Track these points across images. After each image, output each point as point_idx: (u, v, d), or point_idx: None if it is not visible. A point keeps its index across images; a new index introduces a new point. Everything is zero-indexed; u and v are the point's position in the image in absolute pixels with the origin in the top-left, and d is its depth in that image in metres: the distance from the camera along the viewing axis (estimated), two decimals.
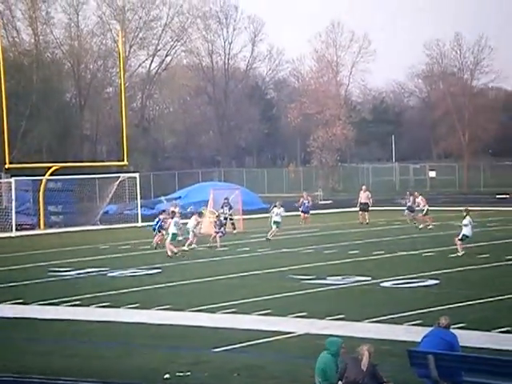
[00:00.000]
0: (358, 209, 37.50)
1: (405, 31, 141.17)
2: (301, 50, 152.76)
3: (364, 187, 38.53)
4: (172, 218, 27.10)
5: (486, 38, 78.45)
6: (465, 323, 13.89)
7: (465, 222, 24.58)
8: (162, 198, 34.10)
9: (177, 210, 29.79)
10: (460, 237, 24.50)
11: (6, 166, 40.19)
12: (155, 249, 28.11)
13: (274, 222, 30.75)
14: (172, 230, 26.20)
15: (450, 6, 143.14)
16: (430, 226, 33.55)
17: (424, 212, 34.16)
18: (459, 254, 24.09)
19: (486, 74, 79.31)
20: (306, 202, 36.86)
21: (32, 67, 62.52)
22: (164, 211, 30.28)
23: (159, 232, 28.58)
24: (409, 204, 35.48)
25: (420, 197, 34.88)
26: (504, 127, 75.99)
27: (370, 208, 37.62)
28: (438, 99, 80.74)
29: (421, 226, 33.64)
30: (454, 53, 79.45)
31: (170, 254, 25.67)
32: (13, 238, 36.13)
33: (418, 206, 34.60)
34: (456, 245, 24.42)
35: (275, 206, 31.55)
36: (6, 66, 41.77)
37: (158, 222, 28.81)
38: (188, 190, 52.55)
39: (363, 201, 36.90)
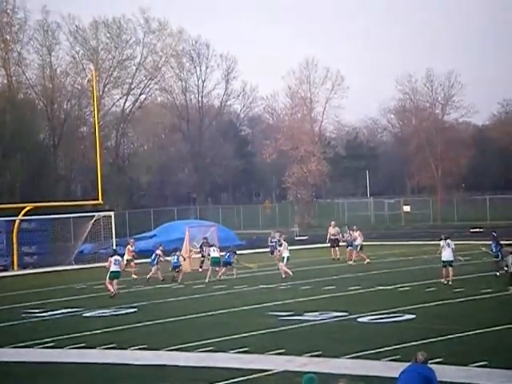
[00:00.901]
0: (328, 245, 37.33)
1: (377, 67, 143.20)
2: (274, 87, 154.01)
3: (333, 223, 38.46)
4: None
5: (456, 74, 79.90)
6: (442, 358, 13.89)
7: (441, 244, 25.34)
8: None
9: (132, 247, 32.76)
10: (442, 264, 25.16)
11: None
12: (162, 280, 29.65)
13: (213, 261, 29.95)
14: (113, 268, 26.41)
15: (421, 42, 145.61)
16: (366, 261, 33.58)
17: (358, 248, 34.18)
18: (444, 282, 24.71)
19: (457, 109, 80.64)
20: (274, 240, 36.43)
21: (5, 108, 62.36)
22: (161, 245, 32.10)
23: (156, 264, 30.42)
24: (348, 239, 35.62)
25: (358, 232, 34.96)
26: (475, 162, 77.01)
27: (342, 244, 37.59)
28: (411, 134, 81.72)
29: (350, 263, 33.78)
30: (425, 88, 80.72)
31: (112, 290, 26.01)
32: None
33: (355, 240, 34.54)
34: (444, 277, 24.91)
35: (211, 246, 31.26)
36: None
37: (155, 257, 30.64)
38: (164, 228, 52.36)
39: (332, 237, 37.03)
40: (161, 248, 31.59)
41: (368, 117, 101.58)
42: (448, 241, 25.45)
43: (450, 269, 25.08)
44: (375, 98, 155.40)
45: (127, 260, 31.69)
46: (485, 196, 67.87)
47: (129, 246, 32.41)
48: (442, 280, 25.08)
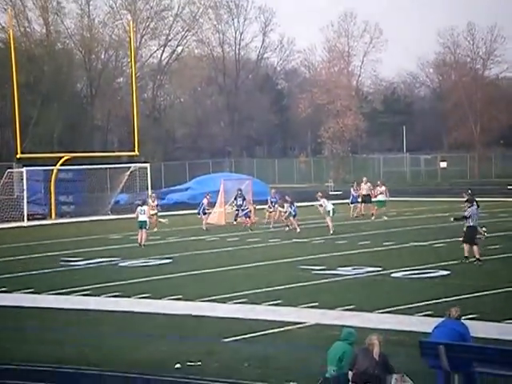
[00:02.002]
0: (360, 200, 37.13)
1: (416, 20, 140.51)
2: (312, 40, 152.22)
3: (365, 179, 38.11)
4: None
5: (498, 28, 78.11)
6: (476, 314, 13.85)
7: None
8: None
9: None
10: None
11: (18, 156, 40.34)
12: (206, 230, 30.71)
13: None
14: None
15: None
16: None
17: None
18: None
19: (499, 64, 79.04)
20: (273, 199, 33.97)
21: (43, 57, 62.63)
22: (208, 194, 33.21)
23: (204, 215, 31.58)
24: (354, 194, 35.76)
25: (383, 187, 34.90)
26: None
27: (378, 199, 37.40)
28: (450, 89, 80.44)
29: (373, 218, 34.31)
30: (466, 42, 79.11)
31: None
32: (24, 227, 36.30)
33: (377, 195, 34.74)
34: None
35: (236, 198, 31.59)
36: (17, 56, 41.87)
37: (201, 206, 31.78)
38: (199, 181, 52.58)
39: (365, 192, 36.81)
40: (208, 197, 32.41)
41: (406, 71, 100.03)
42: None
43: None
44: (414, 52, 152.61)
45: (151, 215, 31.47)
46: None
47: (150, 201, 31.92)
48: None
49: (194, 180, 54.12)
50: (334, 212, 29.06)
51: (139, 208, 27.26)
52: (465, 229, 21.07)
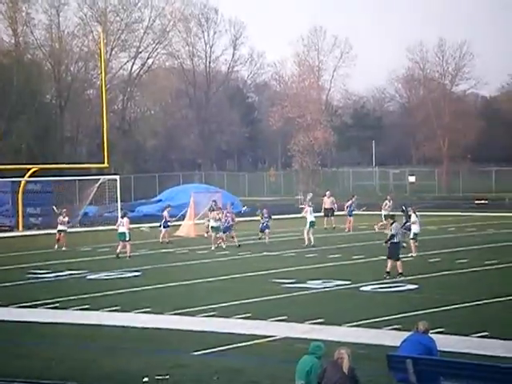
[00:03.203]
0: (322, 214, 37.17)
1: (386, 36, 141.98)
2: (282, 54, 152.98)
3: (328, 193, 38.31)
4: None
5: (468, 45, 79.16)
6: (443, 328, 13.98)
7: (413, 219, 25.66)
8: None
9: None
10: (411, 236, 25.53)
11: None
12: (168, 243, 30.74)
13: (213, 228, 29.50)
14: None
15: (433, 11, 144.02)
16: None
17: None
18: (413, 255, 24.84)
19: (467, 80, 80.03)
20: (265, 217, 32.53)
21: (12, 68, 62.11)
22: (168, 207, 33.04)
23: (164, 228, 31.50)
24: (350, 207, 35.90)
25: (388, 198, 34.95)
26: (483, 133, 76.61)
27: (340, 213, 37.47)
28: (418, 104, 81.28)
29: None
30: (436, 58, 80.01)
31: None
32: None
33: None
34: (411, 247, 25.30)
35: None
36: None
37: (162, 220, 31.88)
38: (169, 193, 52.45)
39: (327, 206, 36.97)
40: (168, 209, 32.30)
41: (375, 86, 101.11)
42: (414, 216, 25.88)
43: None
44: (383, 67, 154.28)
45: (58, 231, 30.55)
46: (491, 168, 67.75)
47: (61, 217, 30.95)
48: (414, 254, 25.12)
49: (165, 192, 53.99)
50: (312, 225, 29.04)
51: (119, 220, 27.68)
52: (389, 245, 21.26)
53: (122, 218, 27.72)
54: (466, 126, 73.33)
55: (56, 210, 32.30)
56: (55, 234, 30.82)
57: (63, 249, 29.84)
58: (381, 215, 33.74)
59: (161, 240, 31.18)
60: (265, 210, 30.87)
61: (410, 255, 24.92)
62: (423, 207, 49.11)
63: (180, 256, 27.04)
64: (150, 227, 35.10)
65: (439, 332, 13.32)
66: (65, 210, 32.29)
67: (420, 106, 79.77)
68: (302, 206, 30.14)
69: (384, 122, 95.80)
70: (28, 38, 66.40)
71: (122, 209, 37.91)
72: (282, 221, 40.44)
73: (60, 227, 30.61)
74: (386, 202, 34.36)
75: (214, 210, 30.69)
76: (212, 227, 29.55)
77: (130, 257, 26.30)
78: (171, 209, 33.13)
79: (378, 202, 36.80)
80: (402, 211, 29.11)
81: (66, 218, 31.21)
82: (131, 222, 33.67)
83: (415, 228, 25.64)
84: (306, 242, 28.60)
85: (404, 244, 26.73)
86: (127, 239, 26.78)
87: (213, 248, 28.55)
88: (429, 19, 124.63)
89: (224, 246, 28.86)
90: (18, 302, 18.11)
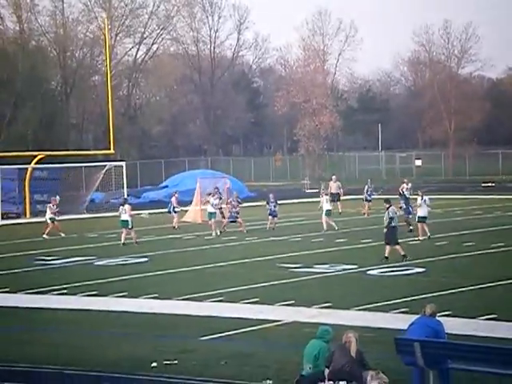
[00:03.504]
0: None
1: (391, 19, 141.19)
2: (287, 38, 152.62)
3: (334, 177, 37.99)
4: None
5: (473, 27, 78.73)
6: (450, 311, 13.99)
7: (418, 202, 25.50)
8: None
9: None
10: (417, 219, 25.37)
11: None
12: (174, 228, 30.75)
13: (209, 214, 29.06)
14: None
15: None
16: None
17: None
18: (420, 239, 24.68)
19: (473, 62, 79.69)
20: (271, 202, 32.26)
21: (17, 55, 62.04)
22: (176, 193, 33.13)
23: (174, 213, 31.40)
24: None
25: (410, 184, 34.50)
26: (489, 116, 76.35)
27: (354, 197, 37.44)
28: (424, 87, 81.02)
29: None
30: (442, 40, 79.62)
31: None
32: None
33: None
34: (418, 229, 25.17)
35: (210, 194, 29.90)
36: None
37: (170, 205, 31.97)
38: (175, 179, 52.48)
39: (333, 191, 36.82)
40: (176, 195, 32.30)
41: (381, 69, 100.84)
42: (425, 197, 25.64)
43: (424, 225, 25.18)
44: (389, 50, 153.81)
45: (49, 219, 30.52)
46: (497, 150, 67.51)
47: (50, 205, 31.06)
48: (422, 237, 24.93)
49: (171, 178, 54.01)
50: (328, 214, 28.98)
51: (120, 207, 27.17)
52: (385, 230, 20.93)
53: (123, 205, 27.24)
54: (472, 109, 73.08)
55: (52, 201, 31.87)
56: (70, 219, 30.79)
57: (62, 235, 29.81)
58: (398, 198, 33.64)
59: (174, 225, 31.13)
60: (271, 195, 30.81)
61: (416, 238, 24.91)
62: (430, 190, 49.07)
63: (187, 241, 27.09)
64: (150, 213, 35.14)
65: (446, 315, 13.33)
66: (55, 198, 32.30)
67: (426, 88, 79.50)
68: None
69: (390, 106, 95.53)
70: (32, 24, 66.30)
71: (126, 196, 37.97)
72: (289, 206, 40.44)
73: (50, 215, 30.38)
74: (404, 185, 33.99)
75: (210, 195, 30.43)
76: (209, 213, 29.21)
77: (137, 243, 26.30)
78: (179, 194, 33.23)
79: (395, 186, 36.52)
80: (400, 195, 29.10)
81: (55, 207, 30.99)
82: (137, 208, 33.90)
83: (422, 211, 25.40)
84: (325, 227, 28.45)
85: (411, 227, 26.83)
86: (130, 226, 26.59)
87: (213, 235, 28.31)
88: (434, 2, 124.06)
89: (220, 232, 28.63)
90: (26, 289, 18.19)
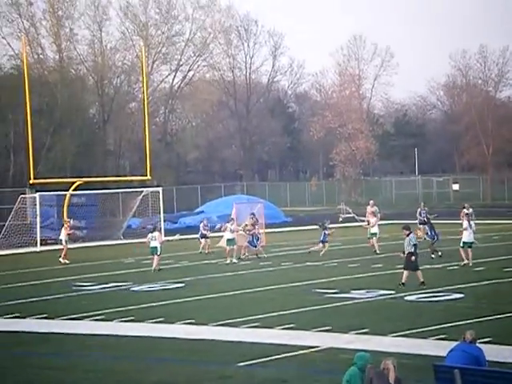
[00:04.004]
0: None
1: (427, 43, 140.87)
2: (322, 63, 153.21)
3: (371, 202, 37.70)
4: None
5: (510, 51, 78.24)
6: (491, 337, 13.74)
7: (464, 225, 24.92)
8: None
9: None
10: (461, 244, 24.80)
11: (31, 182, 40.54)
12: (207, 253, 31.04)
13: (228, 240, 28.57)
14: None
15: (475, 17, 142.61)
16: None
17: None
18: (462, 263, 24.32)
19: (511, 86, 79.10)
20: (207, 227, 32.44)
21: (56, 83, 63.15)
22: (203, 220, 33.65)
23: (202, 238, 31.82)
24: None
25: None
26: None
27: (391, 222, 37.03)
28: (461, 111, 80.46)
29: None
30: (478, 64, 79.25)
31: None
32: (37, 252, 36.40)
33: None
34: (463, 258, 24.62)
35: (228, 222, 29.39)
36: (30, 82, 42.25)
37: (200, 231, 32.34)
38: (211, 205, 52.66)
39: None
40: (204, 222, 32.80)
41: (417, 94, 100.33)
42: (472, 222, 25.17)
43: (469, 250, 24.66)
44: (424, 74, 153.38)
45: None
46: None
47: (65, 225, 31.76)
48: (462, 262, 24.50)
49: (207, 204, 54.20)
50: (373, 235, 29.51)
51: (149, 234, 27.11)
52: (409, 256, 20.70)
53: (153, 231, 27.11)
54: (510, 132, 72.32)
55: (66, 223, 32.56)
56: (107, 245, 31.11)
57: (66, 262, 30.01)
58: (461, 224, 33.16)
59: (201, 251, 31.31)
60: (328, 221, 30.66)
61: (462, 263, 24.43)
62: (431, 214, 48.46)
63: (222, 267, 27.09)
64: (181, 238, 35.16)
65: (487, 342, 13.10)
66: (67, 220, 33.33)
67: (463, 112, 78.95)
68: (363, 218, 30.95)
69: (426, 130, 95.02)
70: (71, 53, 67.53)
71: (163, 221, 38.11)
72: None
73: (63, 237, 31.06)
74: (464, 210, 33.36)
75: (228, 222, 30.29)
76: (227, 240, 28.64)
77: (159, 270, 26.06)
78: (207, 220, 33.43)
79: (452, 210, 35.99)
80: (425, 221, 28.85)
81: (67, 230, 31.57)
82: (173, 233, 34.02)
83: (467, 236, 24.70)
84: (377, 250, 28.86)
85: (439, 253, 26.66)
86: (159, 253, 26.47)
87: (228, 261, 27.88)
88: (470, 26, 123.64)
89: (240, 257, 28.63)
90: (63, 315, 18.32)
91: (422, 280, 20.57)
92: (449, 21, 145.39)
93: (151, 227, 28.78)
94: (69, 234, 31.78)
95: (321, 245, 29.71)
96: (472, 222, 25.40)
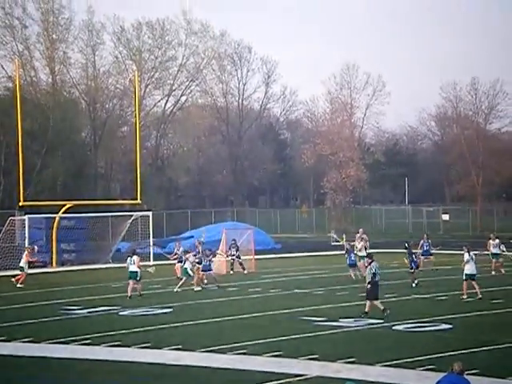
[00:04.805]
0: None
1: (419, 74, 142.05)
2: (314, 91, 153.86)
3: (361, 230, 37.66)
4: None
5: (501, 83, 78.93)
6: (479, 369, 13.71)
7: (466, 258, 24.35)
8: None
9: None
10: (464, 277, 24.33)
11: (20, 204, 40.45)
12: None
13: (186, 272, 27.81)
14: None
15: (466, 49, 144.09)
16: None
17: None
18: (464, 297, 23.93)
19: (501, 118, 79.72)
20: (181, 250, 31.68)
21: (49, 106, 63.25)
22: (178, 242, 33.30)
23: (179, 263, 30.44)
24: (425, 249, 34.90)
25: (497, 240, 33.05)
26: None
27: (380, 250, 37.06)
28: (452, 142, 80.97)
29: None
30: (469, 96, 79.84)
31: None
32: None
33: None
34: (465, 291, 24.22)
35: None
36: (23, 104, 42.29)
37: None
38: (201, 230, 52.52)
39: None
40: (177, 244, 32.53)
41: (408, 123, 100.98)
42: (471, 253, 24.51)
43: (474, 282, 24.17)
44: (415, 105, 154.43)
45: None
46: None
47: (26, 252, 31.77)
48: (464, 296, 24.02)
49: (197, 229, 54.05)
50: (362, 258, 29.07)
51: (129, 258, 26.41)
52: (369, 286, 20.79)
53: (131, 256, 26.41)
54: (500, 164, 72.76)
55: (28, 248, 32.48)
56: (96, 269, 30.82)
57: (19, 285, 29.80)
58: (488, 254, 33.09)
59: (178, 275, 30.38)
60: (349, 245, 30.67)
61: (477, 298, 23.78)
62: (457, 246, 48.63)
63: (210, 293, 26.98)
64: (155, 266, 34.86)
65: (474, 373, 13.07)
66: (30, 247, 33.11)
67: (454, 143, 79.44)
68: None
69: (417, 160, 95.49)
70: (65, 76, 67.72)
71: (154, 245, 37.85)
72: (314, 258, 40.26)
73: (23, 264, 30.92)
74: (490, 240, 33.22)
75: (233, 248, 30.55)
76: (185, 269, 27.90)
77: (141, 295, 25.60)
78: (179, 244, 32.81)
79: (441, 240, 35.90)
80: (405, 248, 28.96)
81: (28, 257, 31.34)
82: (162, 258, 33.85)
83: (470, 268, 24.11)
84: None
85: (413, 284, 27.00)
86: (138, 278, 25.87)
87: (197, 288, 27.45)
88: (461, 59, 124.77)
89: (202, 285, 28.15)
90: (50, 338, 18.17)
91: (382, 308, 20.59)
92: (440, 51, 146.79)
93: (130, 251, 27.93)
94: (30, 262, 31.42)
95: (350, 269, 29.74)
96: (472, 253, 24.51)
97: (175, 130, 78.53)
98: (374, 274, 20.80)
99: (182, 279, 28.01)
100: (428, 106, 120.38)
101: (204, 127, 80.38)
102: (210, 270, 29.07)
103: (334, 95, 78.65)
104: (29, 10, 64.51)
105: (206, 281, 28.97)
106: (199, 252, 30.00)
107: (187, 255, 28.60)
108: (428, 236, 36.03)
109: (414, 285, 27.39)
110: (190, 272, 27.97)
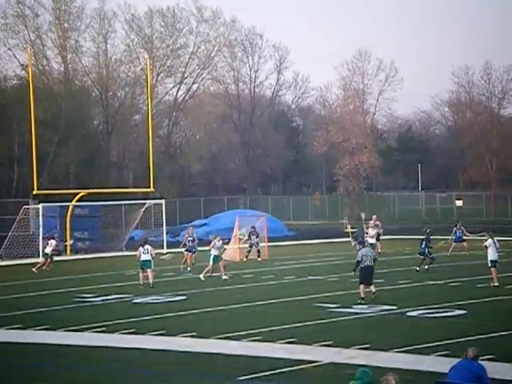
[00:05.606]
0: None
1: (432, 59, 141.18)
2: (327, 78, 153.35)
3: (374, 217, 37.41)
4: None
5: None
6: (493, 355, 13.68)
7: (488, 243, 24.02)
8: None
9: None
10: (489, 264, 24.01)
11: (34, 192, 40.60)
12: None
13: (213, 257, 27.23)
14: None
15: (479, 34, 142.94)
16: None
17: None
18: (495, 284, 23.49)
19: None
20: (190, 239, 30.87)
21: (61, 95, 63.36)
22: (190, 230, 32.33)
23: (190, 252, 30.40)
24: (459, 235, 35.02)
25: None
26: None
27: (393, 237, 36.98)
28: (465, 128, 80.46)
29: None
30: (482, 81, 79.23)
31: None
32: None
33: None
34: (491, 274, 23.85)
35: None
36: (35, 93, 42.39)
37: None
38: (214, 217, 52.63)
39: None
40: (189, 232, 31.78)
41: (421, 109, 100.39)
42: (495, 239, 24.08)
43: (493, 269, 23.74)
44: (429, 90, 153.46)
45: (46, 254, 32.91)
46: None
47: (53, 241, 33.19)
48: (495, 283, 23.58)
49: (211, 217, 54.13)
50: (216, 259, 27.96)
51: (140, 248, 25.94)
52: (359, 270, 21.15)
53: (143, 245, 25.80)
54: None
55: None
56: (110, 257, 31.14)
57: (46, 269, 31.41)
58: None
59: (182, 265, 30.28)
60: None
61: (492, 284, 23.59)
62: (471, 232, 48.43)
63: (224, 280, 27.01)
64: (170, 253, 34.94)
65: (489, 359, 13.04)
66: (54, 235, 34.49)
67: (467, 129, 78.96)
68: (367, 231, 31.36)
69: (430, 146, 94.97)
70: (77, 65, 67.78)
71: (167, 233, 37.83)
72: (327, 245, 40.24)
73: (48, 251, 32.72)
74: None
75: (253, 235, 30.79)
76: (214, 256, 27.32)
77: (152, 287, 25.00)
78: (192, 232, 31.70)
79: (423, 226, 36.06)
80: (425, 234, 28.83)
81: (53, 244, 33.07)
82: (175, 246, 33.91)
83: (493, 254, 23.79)
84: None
85: (417, 268, 27.11)
86: (151, 267, 25.56)
87: (225, 277, 27.00)
88: (474, 43, 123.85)
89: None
90: (65, 326, 18.28)
91: (373, 291, 21.07)
92: (453, 36, 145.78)
93: (142, 240, 27.48)
94: (54, 251, 33.06)
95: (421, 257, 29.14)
96: (491, 239, 24.06)
97: (187, 118, 78.48)
98: (358, 262, 21.27)
99: (186, 268, 28.07)
100: (441, 92, 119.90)
101: (216, 115, 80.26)
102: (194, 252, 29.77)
103: (347, 81, 78.29)
104: None
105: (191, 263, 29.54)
106: (194, 239, 30.48)
107: (212, 242, 27.66)
108: (460, 224, 36.01)
109: (418, 268, 27.59)
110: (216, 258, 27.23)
